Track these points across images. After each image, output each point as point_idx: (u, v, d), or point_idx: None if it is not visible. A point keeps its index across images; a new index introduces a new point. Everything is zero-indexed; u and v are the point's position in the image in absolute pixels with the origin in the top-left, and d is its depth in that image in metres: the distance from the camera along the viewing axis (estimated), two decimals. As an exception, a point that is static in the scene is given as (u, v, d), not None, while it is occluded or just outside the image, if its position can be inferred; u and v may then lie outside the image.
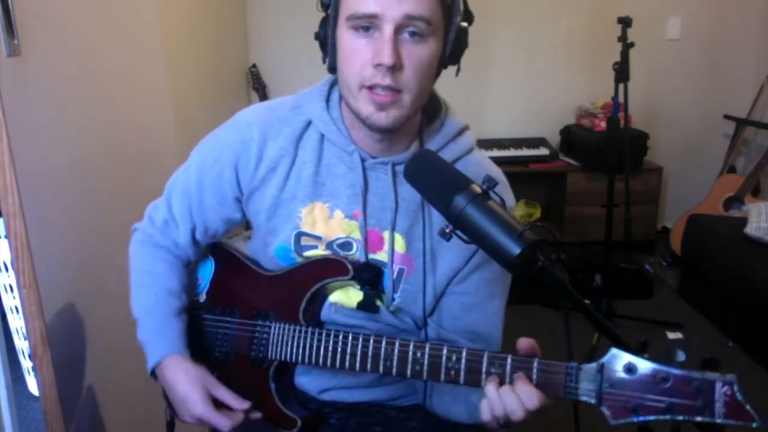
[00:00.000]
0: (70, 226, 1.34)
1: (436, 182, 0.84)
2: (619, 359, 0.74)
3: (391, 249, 0.99)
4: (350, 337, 0.92)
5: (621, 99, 2.71)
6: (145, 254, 1.12)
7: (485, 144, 3.58)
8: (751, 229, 2.78)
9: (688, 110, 3.86)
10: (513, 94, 3.80)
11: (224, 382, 1.03)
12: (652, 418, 0.72)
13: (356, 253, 1.01)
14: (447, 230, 0.81)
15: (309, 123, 1.02)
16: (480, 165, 1.03)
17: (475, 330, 1.02)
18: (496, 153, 3.54)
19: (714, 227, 3.02)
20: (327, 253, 1.02)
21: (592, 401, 0.75)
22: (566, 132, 3.75)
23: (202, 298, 1.12)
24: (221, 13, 3.17)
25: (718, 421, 0.69)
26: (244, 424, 1.00)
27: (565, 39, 3.74)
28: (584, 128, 3.67)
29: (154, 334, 1.06)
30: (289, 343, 0.99)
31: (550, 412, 0.79)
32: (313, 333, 0.96)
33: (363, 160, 0.99)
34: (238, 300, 1.07)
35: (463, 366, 0.83)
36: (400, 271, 1.00)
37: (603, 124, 3.48)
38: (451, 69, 0.97)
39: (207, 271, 1.14)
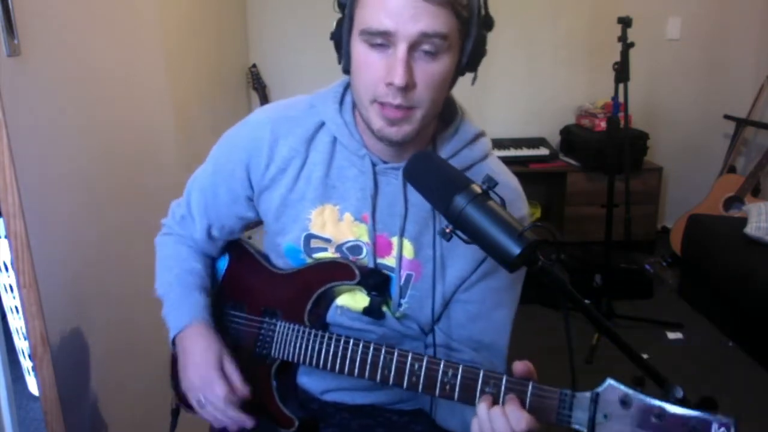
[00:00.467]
0: (70, 226, 1.34)
1: (436, 182, 0.83)
2: (615, 391, 0.72)
3: (399, 254, 0.99)
4: (351, 343, 0.92)
5: (621, 99, 2.71)
6: (168, 242, 1.16)
7: (485, 144, 3.57)
8: (751, 229, 2.78)
9: (688, 110, 3.86)
10: (513, 94, 3.80)
11: None
12: None
13: (365, 257, 1.01)
14: (447, 230, 0.81)
15: (322, 124, 1.01)
16: (496, 174, 0.99)
17: (479, 339, 1.02)
18: (496, 153, 3.52)
19: (714, 227, 3.02)
20: (336, 255, 1.02)
21: (584, 430, 0.74)
22: (566, 132, 3.75)
23: (215, 290, 1.14)
24: (221, 13, 3.17)
25: None
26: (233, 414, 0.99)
27: (565, 39, 3.74)
28: (584, 128, 3.67)
29: (175, 306, 1.07)
30: (293, 343, 0.99)
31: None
32: (316, 335, 0.96)
33: (374, 165, 0.98)
34: (248, 295, 1.09)
35: (458, 382, 0.83)
36: (408, 277, 1.00)
37: (603, 124, 3.48)
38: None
39: (221, 265, 1.16)
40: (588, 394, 0.74)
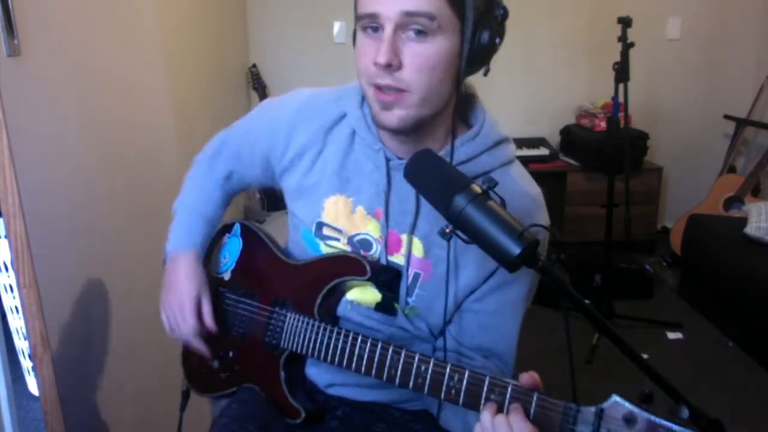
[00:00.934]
0: (70, 226, 1.34)
1: (436, 182, 0.83)
2: (620, 408, 0.71)
3: (408, 252, 0.99)
4: (359, 340, 0.93)
5: (621, 99, 2.71)
6: (199, 172, 1.22)
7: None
8: (751, 229, 2.78)
9: (688, 110, 3.86)
10: (513, 94, 3.80)
11: (241, 360, 1.10)
12: None
13: (376, 253, 1.01)
14: (447, 230, 0.81)
15: (343, 116, 1.03)
16: (515, 182, 0.99)
17: (490, 348, 1.01)
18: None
19: (714, 227, 3.02)
20: (347, 248, 1.03)
21: None
22: (566, 132, 3.75)
23: (227, 276, 1.15)
24: (221, 13, 3.17)
25: None
26: (194, 342, 1.08)
27: (564, 39, 3.74)
28: (584, 128, 3.67)
29: (180, 227, 1.17)
30: (302, 335, 1.00)
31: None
32: (324, 329, 0.97)
33: (388, 160, 0.98)
34: (259, 284, 1.10)
35: (464, 387, 0.83)
36: (416, 276, 1.00)
37: (603, 124, 3.48)
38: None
39: (234, 251, 1.17)
40: (593, 409, 0.73)
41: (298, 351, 1.00)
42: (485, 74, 0.93)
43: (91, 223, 1.44)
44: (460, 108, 1.01)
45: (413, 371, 0.87)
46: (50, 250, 1.24)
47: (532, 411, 0.77)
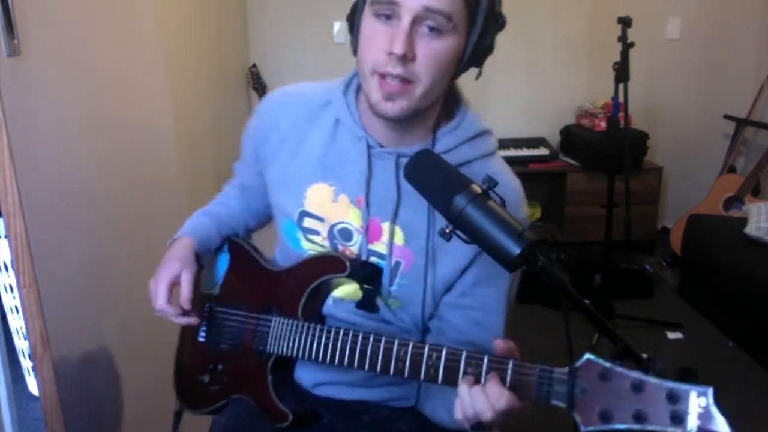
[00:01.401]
0: (70, 226, 1.34)
1: (436, 182, 0.83)
2: (594, 365, 0.72)
3: (390, 240, 1.00)
4: (342, 333, 0.93)
5: (621, 99, 2.71)
6: (225, 189, 1.27)
7: (485, 144, 3.57)
8: (751, 229, 2.78)
9: (688, 110, 3.86)
10: (513, 94, 3.80)
11: (230, 372, 1.09)
12: (623, 426, 0.70)
13: (356, 243, 1.02)
14: (447, 230, 0.81)
15: (328, 103, 1.04)
16: (498, 175, 0.98)
17: (475, 342, 1.02)
18: (496, 153, 3.54)
19: (714, 227, 3.02)
20: (326, 244, 1.04)
21: (563, 405, 0.74)
22: (566, 132, 3.75)
23: (217, 291, 1.15)
24: (221, 13, 3.17)
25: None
26: (175, 319, 1.07)
27: (565, 39, 3.74)
28: (584, 128, 3.67)
29: (186, 224, 1.19)
30: (287, 338, 1.00)
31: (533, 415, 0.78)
32: (308, 328, 0.97)
33: (370, 148, 0.99)
34: (247, 295, 1.10)
35: (442, 365, 0.83)
36: (397, 264, 1.01)
37: (603, 124, 3.48)
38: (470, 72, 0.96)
39: (223, 266, 1.17)
40: (566, 369, 0.74)
41: (284, 353, 1.00)
42: (477, 78, 0.96)
43: (91, 223, 1.44)
44: (445, 101, 1.02)
45: (393, 356, 0.87)
46: (50, 250, 1.24)
47: (508, 379, 0.78)
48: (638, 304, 3.05)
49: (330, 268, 1.00)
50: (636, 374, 0.70)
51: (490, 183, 0.79)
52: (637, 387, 0.70)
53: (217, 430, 1.13)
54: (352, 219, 1.02)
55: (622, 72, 2.66)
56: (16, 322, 2.12)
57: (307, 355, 0.97)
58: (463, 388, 0.80)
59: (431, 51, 0.87)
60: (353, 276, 0.99)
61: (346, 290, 1.05)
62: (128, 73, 1.68)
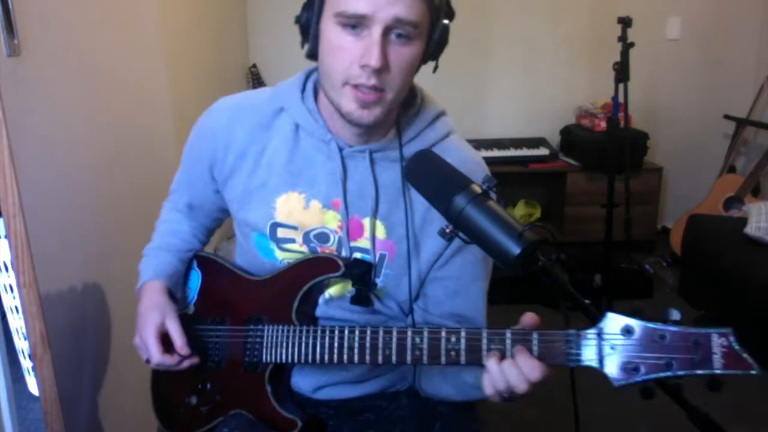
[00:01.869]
0: (70, 226, 1.34)
1: (436, 182, 0.84)
2: (616, 322, 0.75)
3: (372, 235, 1.00)
4: (346, 331, 0.92)
5: (621, 99, 2.71)
6: (165, 210, 1.23)
7: (485, 144, 3.58)
8: (751, 229, 2.78)
9: (688, 110, 3.86)
10: (513, 94, 3.80)
11: (221, 389, 1.05)
12: (653, 376, 0.72)
13: (333, 244, 1.03)
14: (447, 230, 0.81)
15: (281, 110, 1.02)
16: (459, 150, 1.03)
17: (460, 313, 1.03)
18: (496, 153, 3.54)
19: (714, 227, 3.02)
20: (304, 249, 1.03)
21: (595, 365, 0.75)
22: (566, 132, 3.75)
23: (191, 310, 1.12)
24: (221, 13, 3.17)
25: (718, 372, 0.72)
26: (174, 367, 1.03)
27: (565, 39, 3.74)
28: (584, 128, 3.67)
29: (146, 263, 1.15)
30: (284, 345, 0.98)
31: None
32: (307, 331, 0.96)
33: (341, 149, 0.99)
34: (228, 308, 1.07)
35: (463, 346, 0.83)
36: (381, 257, 1.01)
37: (603, 124, 3.48)
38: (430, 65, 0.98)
39: (194, 283, 1.14)
40: (593, 329, 0.76)
41: (283, 361, 0.98)
42: (434, 71, 0.99)
43: (91, 223, 1.44)
44: None
45: (408, 345, 0.87)
46: (50, 250, 1.24)
47: (534, 348, 0.79)
48: (638, 304, 3.04)
49: (323, 269, 0.99)
50: (658, 325, 0.73)
51: (490, 183, 0.79)
52: (662, 336, 0.73)
53: None
54: (327, 222, 1.01)
55: (622, 72, 2.66)
56: (16, 322, 2.11)
57: (310, 358, 0.95)
58: (491, 363, 0.80)
59: (402, 58, 0.88)
60: (347, 275, 0.99)
61: (336, 289, 1.05)
62: (128, 73, 1.68)
